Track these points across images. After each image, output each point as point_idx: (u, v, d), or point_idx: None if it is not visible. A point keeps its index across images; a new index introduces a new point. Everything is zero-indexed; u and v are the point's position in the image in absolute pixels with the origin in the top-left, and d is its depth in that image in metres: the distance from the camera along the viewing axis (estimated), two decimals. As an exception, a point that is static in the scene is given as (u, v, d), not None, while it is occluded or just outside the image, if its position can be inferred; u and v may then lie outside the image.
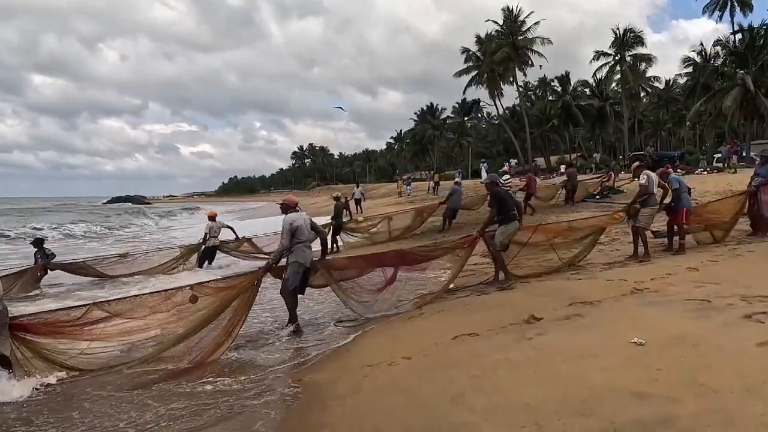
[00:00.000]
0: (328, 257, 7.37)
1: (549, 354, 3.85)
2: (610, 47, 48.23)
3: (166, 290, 5.42)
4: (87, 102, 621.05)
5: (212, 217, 12.14)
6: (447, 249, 7.26)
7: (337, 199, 14.79)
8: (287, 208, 6.46)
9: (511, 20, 48.83)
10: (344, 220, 14.63)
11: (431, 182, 35.82)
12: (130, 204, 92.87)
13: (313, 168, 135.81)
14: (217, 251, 12.03)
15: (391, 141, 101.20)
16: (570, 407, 2.93)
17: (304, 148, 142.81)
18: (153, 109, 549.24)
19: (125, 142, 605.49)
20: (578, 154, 62.37)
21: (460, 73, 51.23)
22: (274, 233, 13.78)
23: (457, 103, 75.14)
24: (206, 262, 11.82)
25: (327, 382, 4.40)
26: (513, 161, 51.16)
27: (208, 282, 5.65)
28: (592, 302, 5.24)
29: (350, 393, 4.06)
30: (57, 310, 5.24)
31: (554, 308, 5.22)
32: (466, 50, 50.90)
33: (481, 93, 53.98)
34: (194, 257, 11.97)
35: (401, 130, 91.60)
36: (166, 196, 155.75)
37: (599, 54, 49.12)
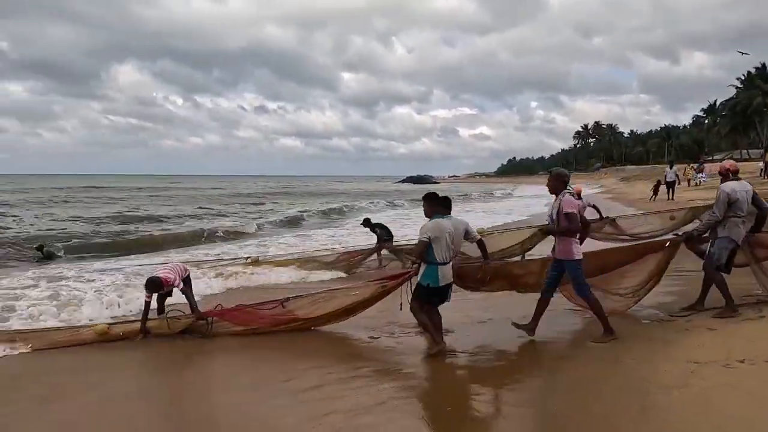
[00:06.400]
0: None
1: None
2: None
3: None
4: (383, 93, 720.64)
5: (577, 194, 10.91)
6: None
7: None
8: (727, 173, 5.59)
9: None
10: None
11: (762, 164, 28.98)
12: (423, 184, 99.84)
13: (597, 148, 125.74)
14: None
15: (700, 114, 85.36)
16: None
17: (589, 126, 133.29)
18: (436, 95, 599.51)
19: (413, 126, 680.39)
20: None
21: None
22: (641, 213, 12.57)
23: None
24: None
25: (649, 371, 4.28)
26: None
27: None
28: None
29: (676, 386, 3.90)
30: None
31: None
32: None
33: None
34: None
35: (715, 101, 76.24)
36: (450, 176, 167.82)
37: None
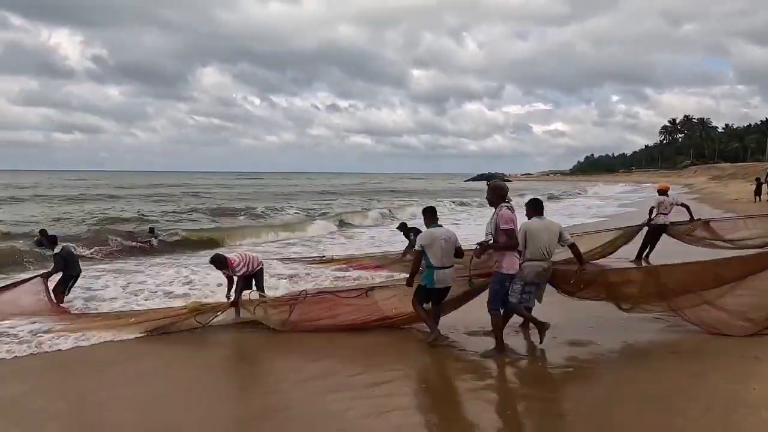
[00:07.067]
0: None
1: None
2: None
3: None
4: (453, 89, 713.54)
5: (664, 191, 10.00)
6: None
7: None
8: None
9: None
10: None
11: None
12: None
13: (687, 144, 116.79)
14: (663, 233, 9.72)
15: (810, 106, 76.57)
16: None
17: (677, 120, 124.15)
18: (508, 90, 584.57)
19: (484, 123, 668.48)
20: None
21: None
22: (741, 216, 11.22)
23: None
24: (648, 249, 9.63)
25: (737, 388, 4.00)
26: None
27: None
28: None
29: (766, 406, 3.60)
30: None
31: None
32: None
33: None
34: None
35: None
36: (523, 174, 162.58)
37: None
